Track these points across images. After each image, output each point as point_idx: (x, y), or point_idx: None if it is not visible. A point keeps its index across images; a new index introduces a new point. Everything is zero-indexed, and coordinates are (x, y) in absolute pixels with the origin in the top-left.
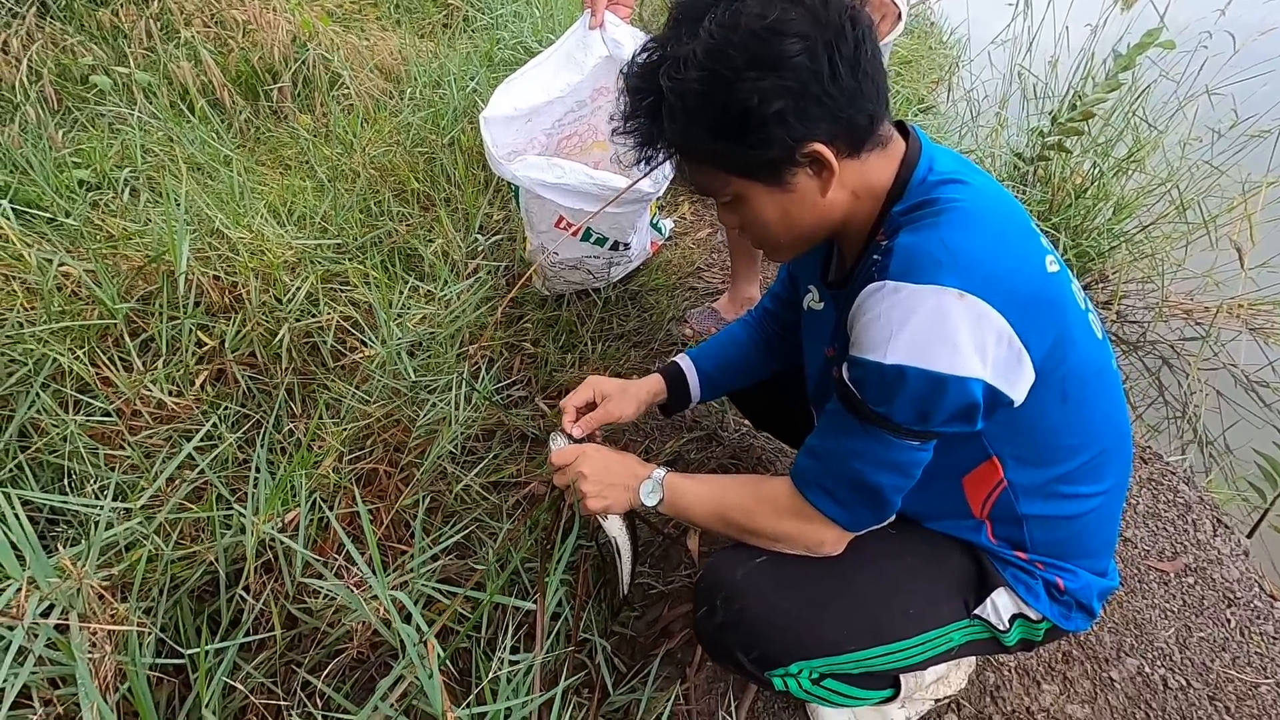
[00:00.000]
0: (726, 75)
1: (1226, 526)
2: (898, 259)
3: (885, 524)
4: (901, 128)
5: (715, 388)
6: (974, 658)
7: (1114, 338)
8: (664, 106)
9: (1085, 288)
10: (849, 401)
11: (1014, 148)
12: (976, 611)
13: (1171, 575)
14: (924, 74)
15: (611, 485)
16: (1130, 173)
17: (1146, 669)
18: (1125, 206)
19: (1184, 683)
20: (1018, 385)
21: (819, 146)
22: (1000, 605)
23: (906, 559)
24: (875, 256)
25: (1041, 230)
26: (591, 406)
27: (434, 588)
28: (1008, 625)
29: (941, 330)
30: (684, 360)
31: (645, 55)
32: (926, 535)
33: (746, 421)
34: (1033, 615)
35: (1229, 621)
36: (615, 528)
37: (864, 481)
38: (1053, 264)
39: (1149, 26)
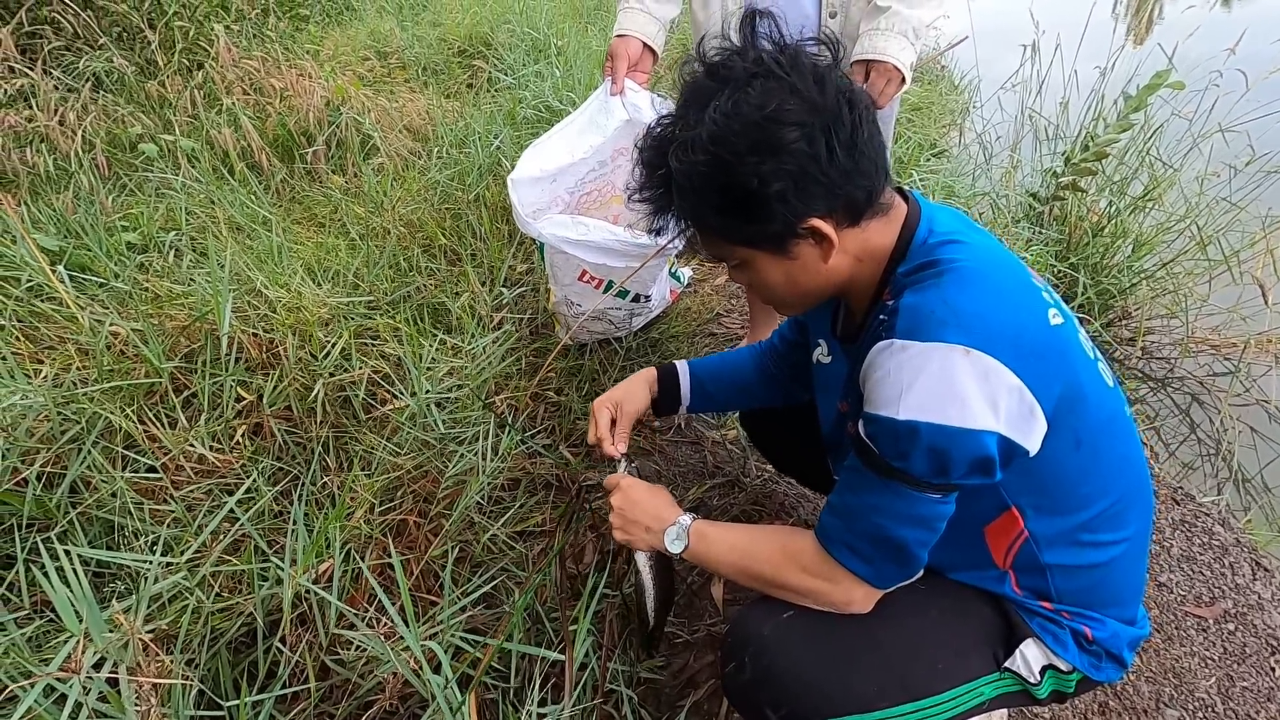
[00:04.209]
0: (729, 159)
1: (1266, 569)
2: (903, 318)
3: (913, 580)
4: (901, 192)
5: (707, 398)
6: (1005, 710)
7: (1140, 374)
8: (673, 183)
9: (1107, 325)
10: (867, 457)
11: (1029, 188)
12: (1007, 664)
13: (1210, 621)
14: (935, 119)
15: (635, 523)
16: (1148, 210)
17: None
18: (1144, 243)
19: None
20: (1031, 436)
21: (817, 222)
22: (1030, 657)
23: (933, 613)
24: (882, 316)
25: (1047, 281)
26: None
27: (462, 638)
28: (1039, 677)
29: (950, 386)
30: (680, 363)
31: (658, 130)
32: (952, 588)
33: (769, 468)
34: (1063, 666)
35: (1274, 670)
36: (642, 561)
37: (888, 536)
38: (1056, 317)
39: (1158, 67)
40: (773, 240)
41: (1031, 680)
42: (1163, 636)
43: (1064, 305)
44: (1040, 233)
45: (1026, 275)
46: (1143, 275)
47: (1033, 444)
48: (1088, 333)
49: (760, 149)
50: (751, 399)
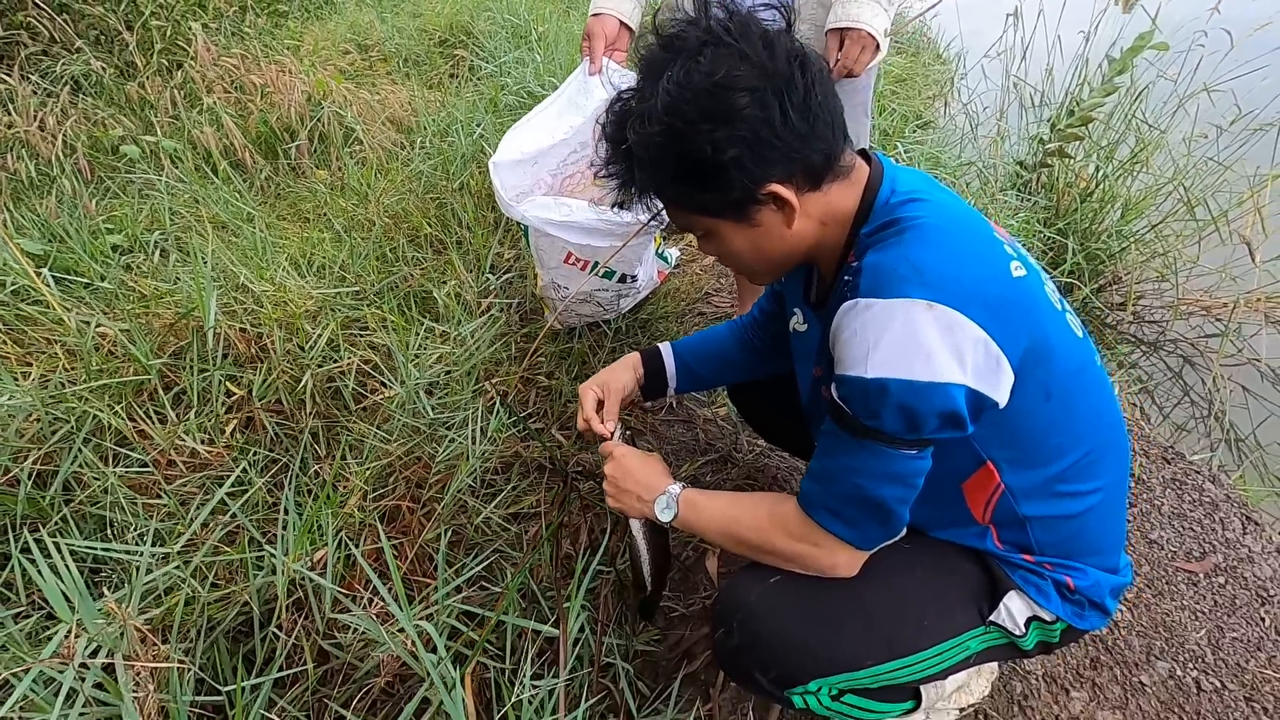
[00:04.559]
0: (682, 128)
1: (1257, 523)
2: (866, 277)
3: (896, 539)
4: (865, 155)
5: (692, 377)
6: (995, 664)
7: (1132, 338)
8: (633, 155)
9: (1098, 290)
10: (841, 419)
11: (1016, 157)
12: (991, 618)
13: (1201, 576)
14: (920, 90)
15: (627, 492)
16: (1135, 173)
17: (1179, 672)
18: (1133, 207)
19: (1218, 684)
20: (999, 388)
21: (776, 187)
22: (1014, 610)
23: (917, 571)
24: (847, 277)
25: (1030, 245)
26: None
27: (455, 622)
28: (1024, 629)
29: (915, 340)
30: (664, 346)
31: (618, 105)
32: (935, 546)
33: (761, 442)
34: (1046, 617)
35: (1263, 620)
36: (636, 528)
37: (867, 497)
38: (1018, 269)
39: (1141, 29)
40: (734, 208)
41: (1016, 632)
42: (1154, 591)
43: (1029, 258)
44: (1028, 200)
45: (988, 230)
46: (1132, 239)
47: (1001, 395)
48: (1070, 295)
49: (713, 116)
50: (736, 373)
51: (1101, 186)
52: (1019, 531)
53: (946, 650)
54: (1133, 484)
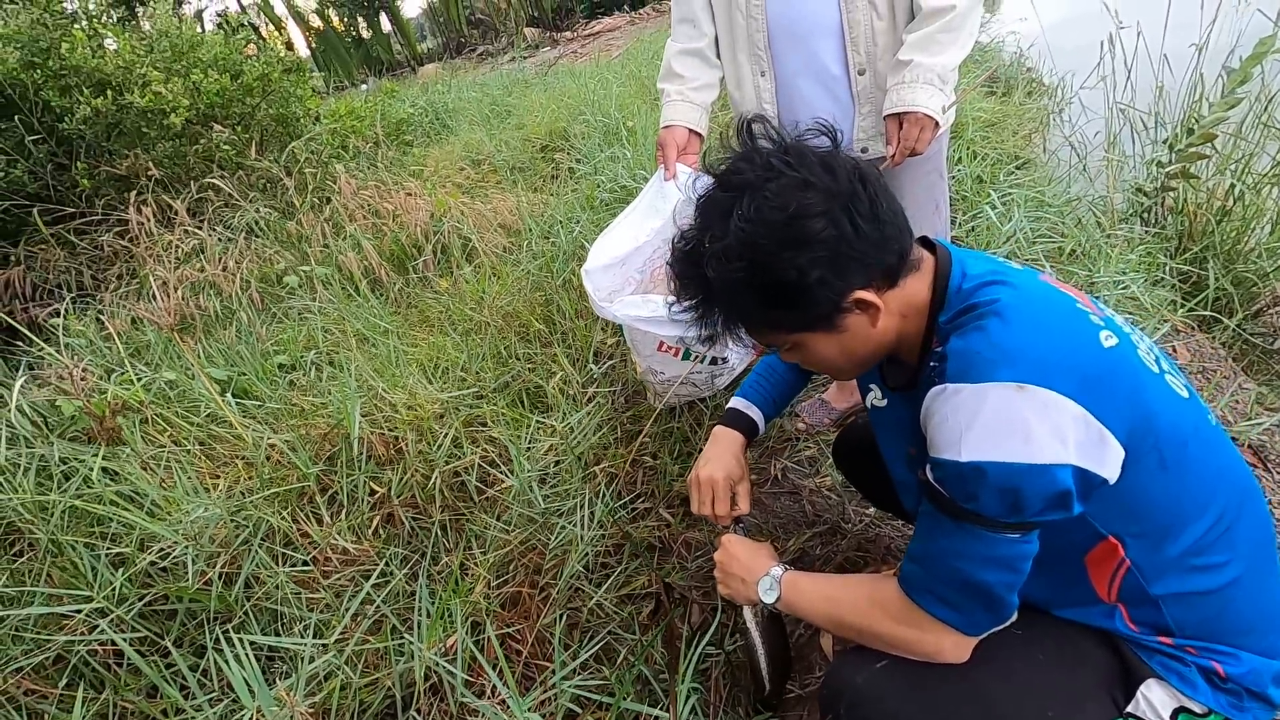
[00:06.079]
0: (764, 260)
1: None
2: (952, 363)
3: (1008, 624)
4: (926, 243)
5: (770, 417)
6: None
7: None
8: (714, 292)
9: (1255, 314)
10: (939, 502)
11: (1133, 183)
12: (1129, 709)
13: None
14: (1014, 130)
15: (733, 575)
16: None
17: None
18: None
19: None
20: (1107, 464)
21: (860, 293)
22: (1155, 701)
23: (1038, 656)
24: (933, 363)
25: (1097, 303)
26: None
27: (573, 705)
28: None
29: (1009, 422)
30: (748, 408)
31: (686, 245)
32: (1057, 628)
33: (870, 511)
34: (1196, 709)
35: None
36: (748, 618)
37: (970, 581)
38: (1109, 338)
39: (1262, 33)
40: (821, 320)
41: None
42: None
43: (1117, 322)
44: (1149, 231)
45: (1070, 302)
46: None
47: (1110, 471)
48: (1218, 328)
49: (791, 244)
50: (797, 389)
51: (1241, 202)
52: (1152, 611)
53: None
54: None
